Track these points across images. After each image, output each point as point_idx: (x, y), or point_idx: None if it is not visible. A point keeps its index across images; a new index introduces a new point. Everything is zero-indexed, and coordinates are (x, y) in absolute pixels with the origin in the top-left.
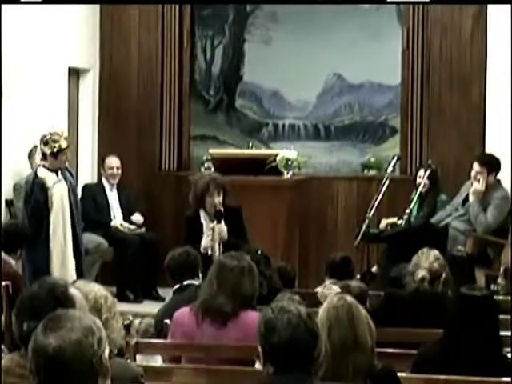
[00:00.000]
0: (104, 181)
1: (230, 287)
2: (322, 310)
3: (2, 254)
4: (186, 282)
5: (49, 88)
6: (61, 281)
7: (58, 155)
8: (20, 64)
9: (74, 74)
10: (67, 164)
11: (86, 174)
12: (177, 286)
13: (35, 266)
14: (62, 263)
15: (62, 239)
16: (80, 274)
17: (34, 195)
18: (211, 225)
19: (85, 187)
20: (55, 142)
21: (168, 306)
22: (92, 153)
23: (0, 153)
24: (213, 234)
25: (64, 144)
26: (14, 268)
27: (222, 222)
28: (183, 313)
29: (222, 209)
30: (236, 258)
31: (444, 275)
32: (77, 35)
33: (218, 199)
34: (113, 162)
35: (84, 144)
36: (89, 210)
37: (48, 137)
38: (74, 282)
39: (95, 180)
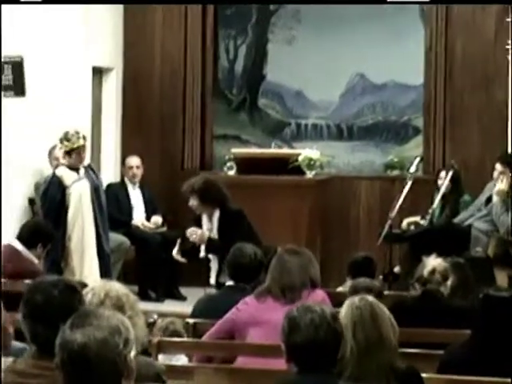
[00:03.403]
0: (126, 180)
1: (293, 276)
2: (344, 311)
3: (26, 251)
4: (239, 284)
5: (72, 87)
6: (76, 284)
7: (71, 153)
8: (44, 63)
9: (98, 73)
10: (87, 163)
11: (110, 173)
12: (230, 283)
13: (50, 264)
14: (82, 263)
15: (81, 238)
16: (105, 273)
17: (50, 194)
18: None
19: (108, 186)
20: (68, 140)
21: (214, 302)
22: (115, 152)
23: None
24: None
25: (76, 143)
26: (36, 266)
27: (205, 226)
28: (247, 299)
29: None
30: (295, 252)
31: (451, 279)
32: (100, 35)
33: (192, 203)
34: (132, 161)
35: (107, 143)
36: (111, 209)
37: (65, 135)
38: (84, 285)
39: (119, 179)
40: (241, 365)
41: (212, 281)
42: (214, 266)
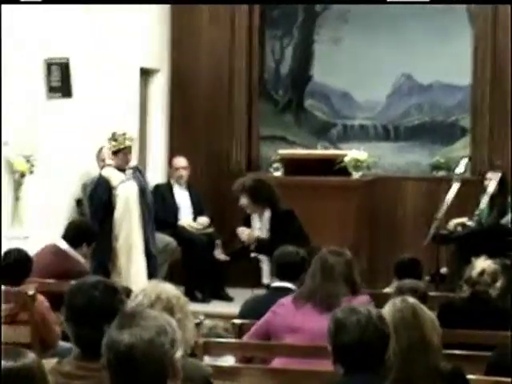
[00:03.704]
0: (173, 181)
1: (335, 279)
2: (385, 314)
3: (71, 251)
4: (284, 284)
5: (119, 88)
6: (117, 284)
7: (117, 154)
8: (91, 64)
9: (144, 74)
10: (134, 164)
11: (156, 174)
12: (276, 284)
13: (96, 264)
14: (129, 264)
15: (128, 239)
16: (151, 274)
17: (98, 194)
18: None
19: (155, 187)
20: (115, 140)
21: (260, 303)
22: (162, 153)
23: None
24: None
25: (123, 144)
26: (82, 265)
27: (255, 225)
28: (284, 301)
29: (271, 213)
30: (338, 254)
31: (501, 281)
32: (147, 35)
33: (243, 201)
34: (179, 162)
35: (154, 144)
36: (157, 209)
37: (112, 135)
38: (129, 292)
39: (165, 180)
40: (279, 366)
41: (265, 280)
42: (264, 266)
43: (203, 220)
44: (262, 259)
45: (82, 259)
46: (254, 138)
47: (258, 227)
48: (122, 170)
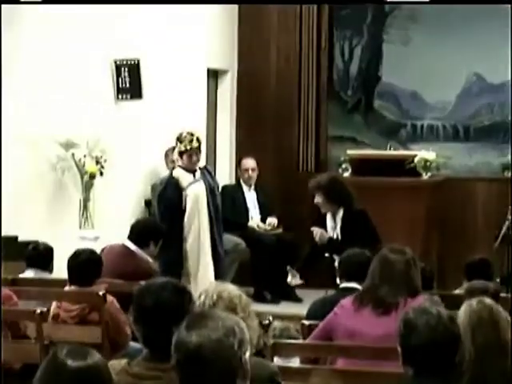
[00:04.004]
0: (242, 181)
1: (394, 278)
2: (462, 315)
3: (139, 251)
4: (352, 285)
5: (188, 89)
6: (185, 285)
7: (183, 155)
8: (160, 65)
9: (213, 75)
10: (203, 164)
11: (225, 175)
12: (343, 285)
13: (166, 265)
14: (199, 264)
15: (198, 240)
16: (219, 275)
17: (167, 194)
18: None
19: (223, 188)
20: (181, 142)
21: (328, 304)
22: (230, 153)
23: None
24: None
25: (188, 145)
26: (149, 265)
27: (329, 224)
28: (344, 303)
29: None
30: (399, 252)
31: None
32: (215, 36)
33: (318, 200)
34: (248, 163)
35: (222, 144)
36: (226, 210)
37: (179, 136)
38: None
39: (233, 181)
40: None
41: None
42: None
43: (272, 220)
44: (337, 259)
45: (149, 259)
46: (323, 139)
47: (331, 226)
48: (190, 170)
